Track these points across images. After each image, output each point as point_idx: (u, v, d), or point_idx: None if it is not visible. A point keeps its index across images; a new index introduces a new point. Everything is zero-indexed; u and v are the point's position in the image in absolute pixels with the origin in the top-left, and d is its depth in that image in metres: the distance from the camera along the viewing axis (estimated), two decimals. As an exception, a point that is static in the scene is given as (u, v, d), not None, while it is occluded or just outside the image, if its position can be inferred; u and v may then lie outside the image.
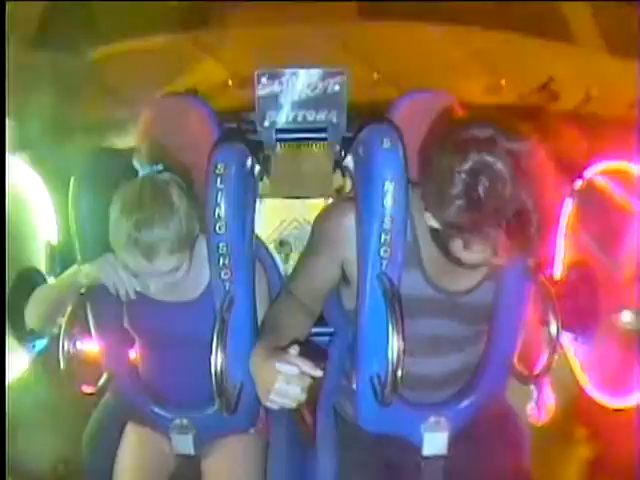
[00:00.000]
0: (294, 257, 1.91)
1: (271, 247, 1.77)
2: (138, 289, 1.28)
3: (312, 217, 1.35)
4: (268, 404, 1.05)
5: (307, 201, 1.88)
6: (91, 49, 2.50)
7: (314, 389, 1.11)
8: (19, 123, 1.61)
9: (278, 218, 1.90)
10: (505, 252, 1.03)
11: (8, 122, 1.48)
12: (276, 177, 1.81)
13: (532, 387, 1.43)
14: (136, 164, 1.23)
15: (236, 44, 2.59)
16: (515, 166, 0.98)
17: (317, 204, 1.83)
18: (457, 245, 1.08)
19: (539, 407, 1.41)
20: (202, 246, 1.29)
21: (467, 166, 0.99)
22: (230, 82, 2.39)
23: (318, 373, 1.04)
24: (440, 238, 1.13)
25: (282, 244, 1.93)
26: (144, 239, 1.15)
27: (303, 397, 1.04)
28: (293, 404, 1.04)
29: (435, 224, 1.10)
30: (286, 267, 1.86)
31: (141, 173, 1.22)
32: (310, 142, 1.73)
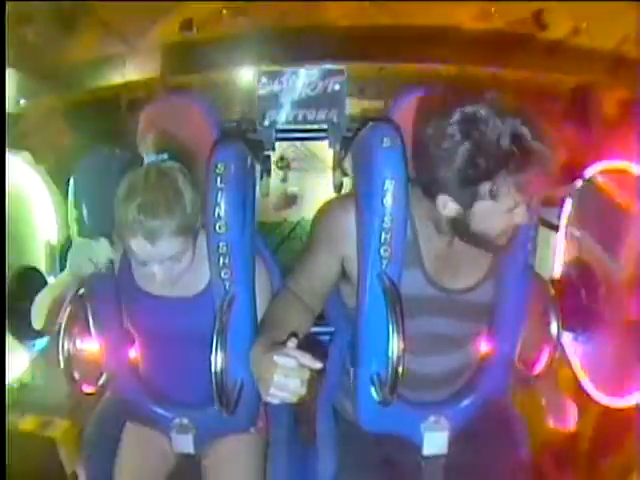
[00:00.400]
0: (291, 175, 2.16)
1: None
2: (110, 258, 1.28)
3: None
4: (269, 399, 1.04)
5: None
6: None
7: (314, 387, 1.11)
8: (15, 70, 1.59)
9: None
10: (524, 187, 1.06)
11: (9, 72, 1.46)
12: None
13: (543, 401, 1.42)
14: (142, 153, 1.23)
15: None
16: (502, 107, 1.04)
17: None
18: (481, 213, 1.10)
19: (562, 415, 1.40)
20: (204, 241, 1.29)
21: (456, 117, 1.05)
22: (224, 11, 2.37)
23: (317, 365, 1.04)
24: (461, 222, 1.13)
25: (282, 159, 2.11)
26: (147, 222, 1.15)
27: (303, 390, 1.03)
28: (293, 398, 1.03)
29: (453, 206, 1.11)
30: (285, 185, 2.06)
31: (146, 161, 1.22)
32: (310, 141, 1.74)
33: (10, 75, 1.51)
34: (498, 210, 1.10)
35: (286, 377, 1.01)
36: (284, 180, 2.10)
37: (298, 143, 2.03)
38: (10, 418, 1.44)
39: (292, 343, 1.05)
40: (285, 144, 2.03)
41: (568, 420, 1.40)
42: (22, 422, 1.76)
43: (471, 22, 2.42)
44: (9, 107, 1.49)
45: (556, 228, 1.61)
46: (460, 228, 1.16)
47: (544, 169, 1.05)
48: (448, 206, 1.12)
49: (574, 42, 2.23)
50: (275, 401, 1.04)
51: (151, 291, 1.32)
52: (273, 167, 1.99)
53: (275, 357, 1.02)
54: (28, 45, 1.90)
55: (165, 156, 1.23)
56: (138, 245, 1.17)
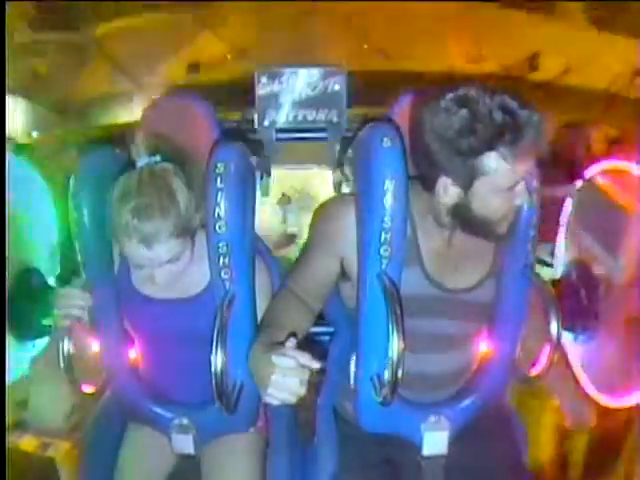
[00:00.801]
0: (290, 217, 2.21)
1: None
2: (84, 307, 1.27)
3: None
4: (267, 399, 1.04)
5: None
6: (94, 26, 2.50)
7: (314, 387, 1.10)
8: (28, 102, 1.61)
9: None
10: (522, 159, 1.08)
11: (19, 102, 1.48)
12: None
13: (556, 403, 1.42)
14: (134, 155, 1.22)
15: (233, 18, 2.59)
16: (490, 88, 1.08)
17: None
18: (481, 194, 1.11)
19: (577, 414, 1.40)
20: (203, 241, 1.29)
21: (449, 97, 1.09)
22: (228, 56, 2.46)
23: (315, 365, 1.04)
24: (462, 207, 1.14)
25: (283, 195, 2.20)
26: (142, 225, 1.14)
27: (302, 390, 1.02)
28: (292, 398, 1.03)
29: (454, 190, 1.12)
30: (284, 226, 2.15)
31: (139, 164, 1.22)
32: (310, 142, 1.73)
33: (22, 107, 1.53)
34: (498, 188, 1.11)
35: (285, 377, 1.01)
36: (284, 222, 2.15)
37: (297, 184, 2.08)
38: (10, 438, 1.44)
39: (291, 343, 1.05)
40: (285, 184, 2.07)
41: (585, 420, 1.40)
42: (22, 443, 1.75)
43: (464, 66, 2.54)
44: (20, 138, 1.50)
45: (550, 265, 1.60)
46: (461, 214, 1.16)
47: (537, 139, 1.07)
48: (449, 191, 1.13)
49: (564, 81, 2.28)
50: (274, 402, 1.03)
51: (149, 294, 1.32)
52: (275, 203, 2.08)
53: (274, 357, 1.02)
54: (40, 78, 1.92)
55: (158, 158, 1.22)
56: (134, 249, 1.17)
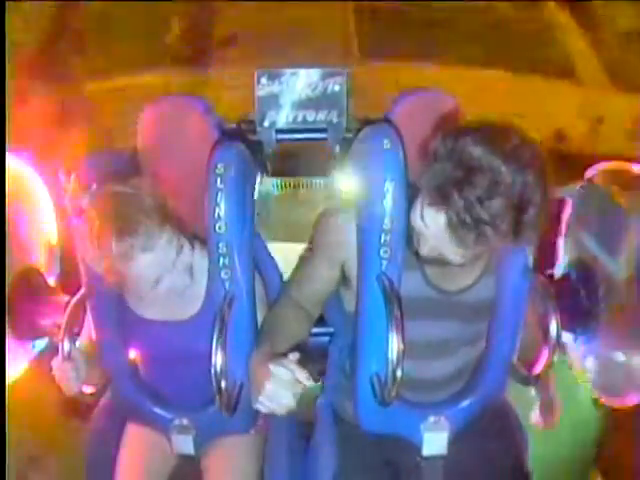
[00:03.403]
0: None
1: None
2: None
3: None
4: (258, 406, 1.04)
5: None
6: (86, 82, 2.48)
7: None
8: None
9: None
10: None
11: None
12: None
13: (533, 392, 1.42)
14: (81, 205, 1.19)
15: (234, 85, 2.54)
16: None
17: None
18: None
19: (546, 411, 1.40)
20: (199, 260, 1.29)
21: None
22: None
23: (310, 383, 1.03)
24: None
25: None
26: (134, 237, 1.13)
27: (293, 404, 1.02)
28: (282, 411, 1.02)
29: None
30: None
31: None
32: (310, 142, 1.73)
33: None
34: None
35: (278, 388, 1.01)
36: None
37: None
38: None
39: (293, 357, 1.05)
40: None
41: (552, 420, 1.41)
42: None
43: None
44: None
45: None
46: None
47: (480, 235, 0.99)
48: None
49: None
50: (263, 409, 1.03)
51: (147, 316, 1.33)
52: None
53: (272, 366, 1.02)
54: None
55: (94, 186, 1.19)
56: (140, 264, 1.16)
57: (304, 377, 1.02)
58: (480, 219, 0.96)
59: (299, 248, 1.36)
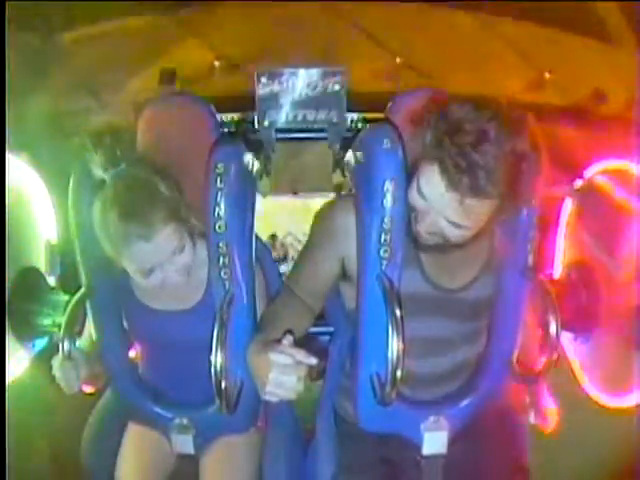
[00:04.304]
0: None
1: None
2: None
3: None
4: (267, 397, 1.05)
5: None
6: (65, 32, 2.33)
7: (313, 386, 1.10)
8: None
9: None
10: None
11: None
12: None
13: (527, 397, 1.42)
14: (96, 173, 1.21)
15: (224, 24, 2.41)
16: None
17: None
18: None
19: (541, 414, 1.40)
20: (202, 250, 1.29)
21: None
22: (217, 63, 2.24)
23: (312, 361, 1.04)
24: None
25: (282, 245, 2.06)
26: (135, 223, 1.14)
27: (300, 387, 1.03)
28: (291, 395, 1.03)
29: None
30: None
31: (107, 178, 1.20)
32: (310, 141, 1.73)
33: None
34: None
35: (282, 374, 1.02)
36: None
37: (300, 235, 2.07)
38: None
39: (287, 341, 1.05)
40: (286, 238, 2.07)
41: (548, 420, 1.40)
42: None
43: (523, 93, 2.37)
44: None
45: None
46: None
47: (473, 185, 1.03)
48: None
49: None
50: (273, 399, 1.04)
51: (152, 305, 1.33)
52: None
53: (271, 355, 1.03)
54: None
55: (123, 165, 1.21)
56: (136, 252, 1.17)
57: (304, 357, 1.03)
58: (473, 162, 1.00)
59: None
